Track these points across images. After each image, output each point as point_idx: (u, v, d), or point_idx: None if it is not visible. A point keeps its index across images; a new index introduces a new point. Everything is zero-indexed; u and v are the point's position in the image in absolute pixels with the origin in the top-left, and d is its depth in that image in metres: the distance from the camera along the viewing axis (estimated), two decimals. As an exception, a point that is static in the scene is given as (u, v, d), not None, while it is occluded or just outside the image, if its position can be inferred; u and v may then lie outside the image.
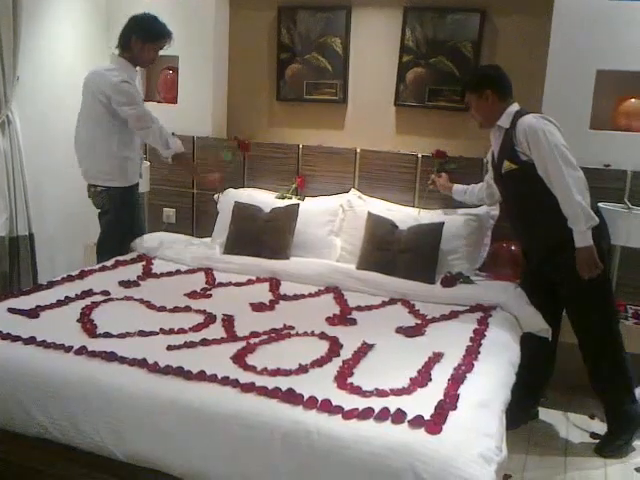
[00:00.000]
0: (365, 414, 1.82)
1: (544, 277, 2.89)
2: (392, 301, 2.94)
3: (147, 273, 3.12)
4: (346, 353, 2.26)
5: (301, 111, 4.05)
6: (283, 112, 4.11)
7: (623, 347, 2.82)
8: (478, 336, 2.52)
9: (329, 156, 3.78)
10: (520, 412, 2.85)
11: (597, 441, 2.90)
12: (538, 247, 2.86)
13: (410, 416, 1.81)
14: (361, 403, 1.88)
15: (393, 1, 3.76)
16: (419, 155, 3.63)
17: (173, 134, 3.43)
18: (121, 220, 3.32)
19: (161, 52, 3.97)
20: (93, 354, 2.08)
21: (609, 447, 2.84)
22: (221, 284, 3.04)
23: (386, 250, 3.22)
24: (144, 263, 3.25)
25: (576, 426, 3.03)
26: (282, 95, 4.06)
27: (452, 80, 3.69)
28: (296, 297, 2.93)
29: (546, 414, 3.15)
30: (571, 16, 3.26)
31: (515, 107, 2.84)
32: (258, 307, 2.73)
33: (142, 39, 3.19)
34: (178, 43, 3.96)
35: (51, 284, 2.81)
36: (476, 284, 3.09)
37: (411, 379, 2.07)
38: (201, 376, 1.97)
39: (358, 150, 3.73)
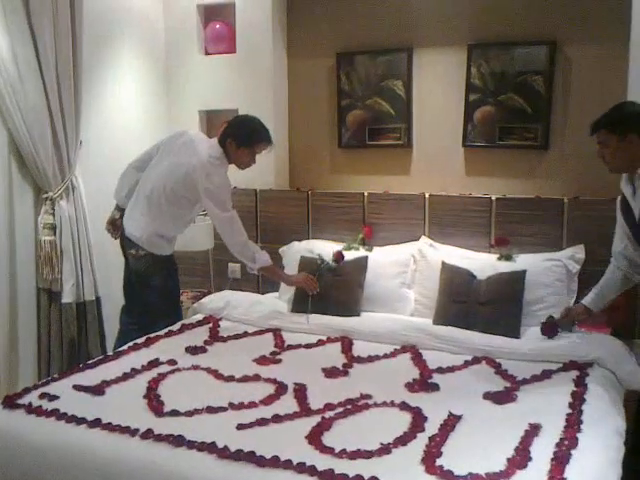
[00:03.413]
0: (462, 507, 1.61)
1: None
2: (475, 360, 2.72)
3: (214, 337, 3.00)
4: (431, 427, 2.05)
5: (364, 157, 3.93)
6: (345, 159, 3.99)
7: None
8: (577, 401, 2.27)
9: (397, 203, 3.61)
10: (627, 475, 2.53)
11: None
12: None
13: (513, 509, 1.59)
14: (455, 492, 1.67)
15: (456, 40, 3.61)
16: (493, 197, 3.42)
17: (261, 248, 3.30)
18: (169, 285, 3.21)
19: (221, 106, 4.02)
20: (159, 438, 1.94)
21: None
22: (290, 347, 2.89)
23: (464, 302, 3.02)
24: (211, 325, 3.14)
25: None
26: (344, 142, 3.95)
27: (523, 117, 3.49)
28: (370, 359, 2.74)
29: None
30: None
31: None
32: (331, 373, 2.56)
33: (237, 143, 3.08)
34: (237, 96, 3.98)
35: (117, 354, 2.72)
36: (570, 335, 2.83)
37: (508, 460, 1.84)
38: (275, 462, 1.80)
39: (427, 195, 3.55)
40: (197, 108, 4.16)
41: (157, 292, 3.12)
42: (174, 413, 2.14)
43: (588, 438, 2.00)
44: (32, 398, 2.23)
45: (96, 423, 2.04)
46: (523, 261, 3.15)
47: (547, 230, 3.31)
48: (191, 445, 1.90)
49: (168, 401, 2.23)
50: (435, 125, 3.75)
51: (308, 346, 2.90)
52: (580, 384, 2.42)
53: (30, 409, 2.15)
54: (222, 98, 4.07)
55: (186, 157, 3.07)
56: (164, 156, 3.17)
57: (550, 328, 2.84)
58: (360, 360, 2.72)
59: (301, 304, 3.24)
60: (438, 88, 3.73)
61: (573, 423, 2.09)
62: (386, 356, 2.77)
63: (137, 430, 1.99)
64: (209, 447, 1.89)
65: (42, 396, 2.24)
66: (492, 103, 3.56)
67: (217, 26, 4.07)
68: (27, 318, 3.28)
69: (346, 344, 2.89)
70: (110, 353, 2.80)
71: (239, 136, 3.09)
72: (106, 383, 2.38)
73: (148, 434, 1.96)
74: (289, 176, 4.15)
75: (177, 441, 1.92)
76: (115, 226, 3.27)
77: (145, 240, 3.09)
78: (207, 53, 4.16)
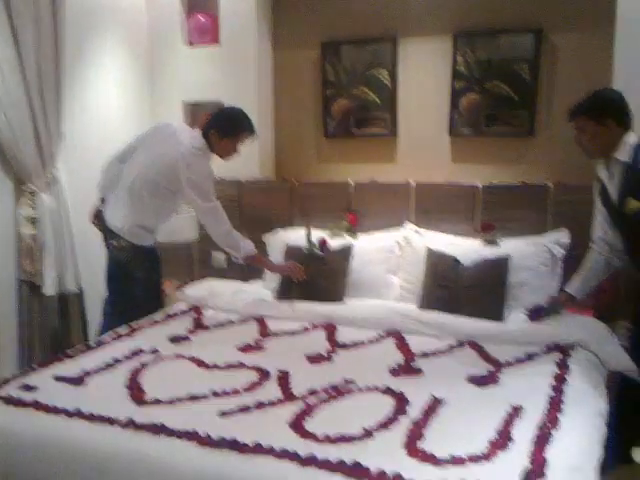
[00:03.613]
0: (442, 490, 1.61)
1: None
2: (459, 344, 2.72)
3: (198, 326, 2.99)
4: (414, 411, 2.06)
5: (350, 146, 3.92)
6: (331, 148, 3.98)
7: None
8: (559, 383, 2.28)
9: (382, 191, 3.61)
10: (610, 457, 2.54)
11: None
12: None
13: (493, 490, 1.59)
14: (436, 474, 1.68)
15: (441, 28, 3.61)
16: (479, 185, 3.42)
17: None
18: (151, 275, 3.19)
19: (206, 98, 3.99)
20: (141, 426, 1.92)
21: None
22: (275, 334, 2.88)
23: (449, 287, 3.02)
24: (194, 314, 3.13)
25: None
26: (330, 131, 3.94)
27: (509, 104, 3.50)
28: (355, 345, 2.74)
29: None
30: (635, 26, 3.01)
31: (633, 137, 2.53)
32: (315, 359, 2.56)
33: (220, 134, 3.05)
34: (221, 87, 3.96)
35: (99, 344, 2.70)
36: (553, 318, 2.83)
37: (490, 442, 1.84)
38: (257, 449, 1.79)
39: (414, 183, 3.54)
40: (181, 100, 4.13)
41: (139, 283, 3.09)
42: (156, 402, 2.12)
43: (569, 419, 2.01)
44: (11, 389, 2.21)
45: (76, 413, 2.02)
46: (508, 246, 3.16)
47: (532, 216, 3.32)
48: (172, 433, 1.89)
49: (150, 390, 2.22)
50: (421, 113, 3.74)
51: (292, 333, 2.90)
52: (563, 366, 2.43)
53: (9, 400, 2.12)
54: (206, 90, 4.04)
55: (168, 148, 3.05)
56: (146, 147, 3.14)
57: (535, 311, 2.84)
58: (344, 346, 2.71)
59: (286, 292, 3.23)
60: (424, 76, 3.72)
61: (555, 405, 2.09)
62: (370, 342, 2.77)
63: (118, 419, 1.97)
64: (190, 435, 1.87)
65: (22, 387, 2.22)
66: (478, 91, 3.56)
67: (201, 17, 4.04)
68: (8, 311, 3.25)
69: (330, 330, 2.88)
70: (92, 343, 2.77)
71: (222, 127, 3.07)
72: (87, 373, 2.36)
73: (129, 423, 1.95)
74: (275, 166, 4.13)
75: (158, 429, 1.91)
76: (100, 218, 3.24)
77: (126, 231, 3.06)
78: (191, 44, 4.12)
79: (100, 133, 3.76)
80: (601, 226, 2.72)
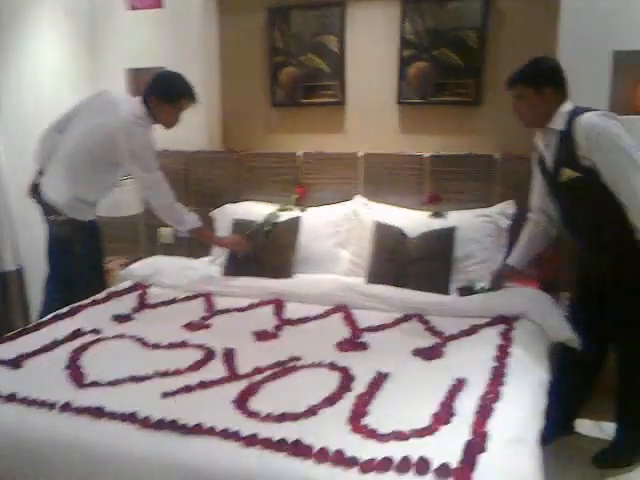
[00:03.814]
0: (384, 465, 1.61)
1: (600, 294, 2.59)
2: (406, 317, 2.73)
3: (142, 304, 2.91)
4: (359, 386, 2.05)
5: (298, 116, 3.84)
6: (279, 118, 3.90)
7: None
8: (502, 355, 2.31)
9: (331, 162, 3.57)
10: (551, 428, 2.62)
11: None
12: (602, 261, 2.54)
13: (435, 464, 1.61)
14: (379, 450, 1.68)
15: (389, -7, 3.54)
16: (426, 155, 3.41)
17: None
18: (92, 251, 3.10)
19: (149, 64, 3.85)
20: (79, 410, 1.87)
21: (612, 456, 2.67)
22: (221, 311, 2.83)
23: (396, 261, 3.02)
24: (139, 292, 3.05)
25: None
26: (277, 101, 3.86)
27: (457, 72, 3.47)
28: (302, 320, 2.71)
29: (580, 425, 2.91)
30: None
31: (568, 106, 2.50)
32: (261, 336, 2.52)
33: (158, 100, 2.94)
34: (165, 53, 3.82)
35: (39, 325, 2.61)
36: (494, 292, 2.86)
37: (433, 415, 1.86)
38: (198, 430, 1.76)
39: (362, 154, 3.51)
40: (123, 66, 3.98)
41: (80, 259, 2.99)
42: (96, 384, 2.06)
43: (511, 391, 2.03)
44: (-57, 374, 2.12)
45: (11, 398, 1.95)
46: (454, 218, 3.17)
47: (479, 187, 3.33)
48: (112, 416, 1.84)
49: (90, 372, 2.15)
50: (369, 82, 3.68)
51: (239, 310, 2.85)
52: (506, 338, 2.46)
53: (-60, 386, 2.04)
54: (150, 56, 3.90)
55: (107, 117, 2.93)
56: (85, 117, 3.02)
57: (465, 291, 2.89)
58: (291, 322, 2.69)
59: (234, 267, 3.18)
60: (372, 44, 3.66)
61: (497, 376, 2.12)
62: (318, 317, 2.75)
63: (55, 403, 1.91)
64: (130, 417, 1.83)
65: (-46, 372, 2.13)
66: (426, 59, 3.52)
67: (142, -22, 3.88)
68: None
69: (278, 306, 2.86)
70: (30, 325, 2.68)
71: (161, 93, 2.96)
72: (24, 356, 2.27)
73: (67, 407, 1.89)
74: (223, 138, 4.04)
75: (97, 412, 1.86)
76: (37, 192, 3.11)
77: (65, 205, 2.95)
78: (133, 8, 3.95)
79: (38, 103, 3.59)
80: (539, 196, 2.75)
